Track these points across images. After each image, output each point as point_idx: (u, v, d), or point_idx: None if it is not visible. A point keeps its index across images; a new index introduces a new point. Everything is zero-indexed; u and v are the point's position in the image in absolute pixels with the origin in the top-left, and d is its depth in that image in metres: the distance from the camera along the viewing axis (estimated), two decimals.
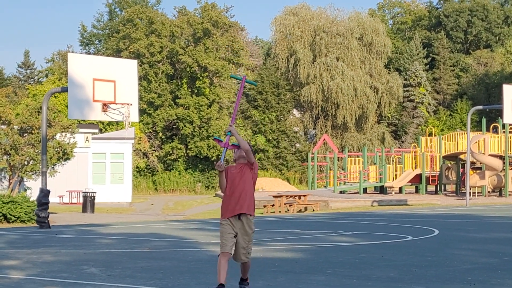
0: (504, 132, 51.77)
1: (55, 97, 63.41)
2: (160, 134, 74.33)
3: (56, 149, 34.57)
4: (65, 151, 34.77)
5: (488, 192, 52.28)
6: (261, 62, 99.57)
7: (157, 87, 73.18)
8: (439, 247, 16.29)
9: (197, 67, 72.39)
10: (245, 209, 9.61)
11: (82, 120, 39.18)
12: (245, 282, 10.02)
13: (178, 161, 74.09)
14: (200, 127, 72.15)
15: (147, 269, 12.44)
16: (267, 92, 79.73)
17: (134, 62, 27.15)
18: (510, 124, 49.01)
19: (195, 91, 74.16)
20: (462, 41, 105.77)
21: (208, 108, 72.96)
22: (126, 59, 37.87)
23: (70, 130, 35.72)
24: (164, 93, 73.37)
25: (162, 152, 74.19)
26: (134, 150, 63.68)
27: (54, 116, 35.68)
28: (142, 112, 68.51)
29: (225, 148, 9.68)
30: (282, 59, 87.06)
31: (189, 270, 12.28)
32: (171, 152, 73.55)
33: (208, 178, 72.98)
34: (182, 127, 72.13)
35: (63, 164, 35.95)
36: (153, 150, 73.85)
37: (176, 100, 74.09)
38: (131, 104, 25.49)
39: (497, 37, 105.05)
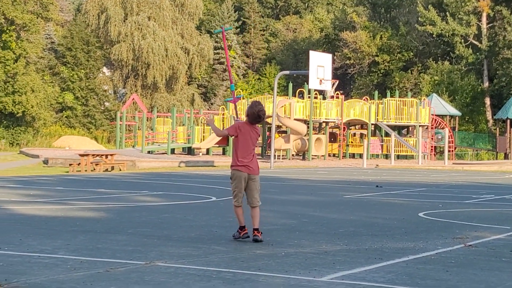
0: (309, 97, 53.30)
1: None
2: None
3: None
4: None
5: (292, 155, 53.78)
6: (71, 17, 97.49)
7: None
8: None
9: (3, 20, 69.78)
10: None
11: None
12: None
13: None
14: (6, 82, 69.79)
15: None
16: (77, 49, 78.23)
17: None
18: (315, 90, 50.59)
19: (1, 45, 71.57)
20: (272, 6, 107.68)
21: (14, 63, 70.63)
22: None
23: None
24: None
25: None
26: None
27: None
28: None
29: (235, 104, 11.47)
30: (93, 15, 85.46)
31: None
32: None
33: (12, 135, 70.79)
34: None
35: None
36: None
37: None
38: None
39: (306, 4, 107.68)
